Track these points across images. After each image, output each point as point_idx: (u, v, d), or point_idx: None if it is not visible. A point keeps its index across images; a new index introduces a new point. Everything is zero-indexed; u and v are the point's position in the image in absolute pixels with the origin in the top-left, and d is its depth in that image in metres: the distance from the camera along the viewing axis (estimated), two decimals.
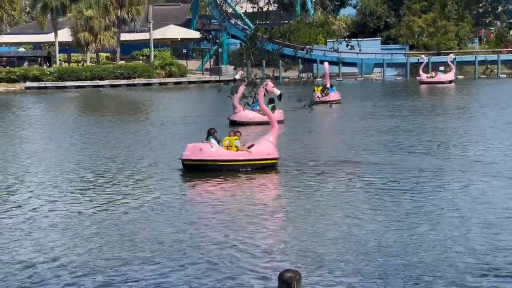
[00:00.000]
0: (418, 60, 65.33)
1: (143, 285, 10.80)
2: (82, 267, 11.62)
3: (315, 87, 36.90)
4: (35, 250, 12.64)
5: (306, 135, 28.18)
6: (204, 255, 12.13)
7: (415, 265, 11.39)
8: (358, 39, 9.90)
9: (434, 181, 18.19)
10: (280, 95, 21.68)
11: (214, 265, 11.61)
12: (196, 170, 19.78)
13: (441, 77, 59.95)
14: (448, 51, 68.95)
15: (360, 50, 9.27)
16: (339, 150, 23.67)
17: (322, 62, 62.83)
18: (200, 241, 12.96)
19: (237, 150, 20.05)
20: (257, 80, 9.82)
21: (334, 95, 42.48)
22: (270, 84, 19.47)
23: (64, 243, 13.07)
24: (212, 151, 19.82)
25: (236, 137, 20.38)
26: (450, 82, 58.98)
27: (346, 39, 9.20)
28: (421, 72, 60.47)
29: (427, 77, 59.80)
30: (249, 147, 20.24)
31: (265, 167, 20.08)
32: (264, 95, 20.33)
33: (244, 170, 19.84)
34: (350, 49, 8.95)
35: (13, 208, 16.01)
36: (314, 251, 12.22)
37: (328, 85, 43.27)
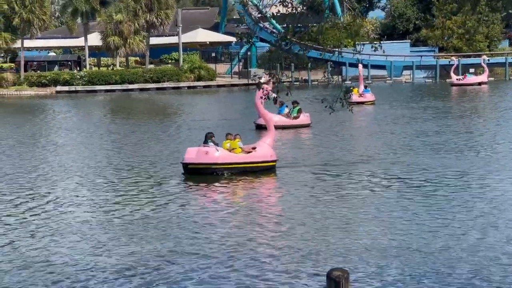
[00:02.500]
0: (449, 62, 64.85)
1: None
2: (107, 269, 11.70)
3: (351, 88, 36.73)
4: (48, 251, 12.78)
5: (334, 137, 27.97)
6: (249, 255, 12.19)
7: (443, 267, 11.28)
8: (383, 41, 9.90)
9: (471, 184, 18.02)
10: (275, 98, 21.64)
11: (257, 264, 11.67)
12: (200, 173, 19.69)
13: (470, 79, 59.48)
14: (479, 53, 68.30)
15: (384, 51, 9.32)
16: (369, 152, 23.49)
17: (351, 65, 62.87)
18: (240, 243, 12.98)
19: (241, 151, 20.13)
20: (284, 82, 9.85)
21: (369, 96, 42.88)
22: (268, 87, 19.52)
23: (85, 246, 13.19)
24: (218, 154, 19.85)
25: (238, 139, 20.49)
26: (479, 84, 58.44)
27: (372, 42, 9.24)
28: (452, 74, 60.04)
29: (457, 79, 59.35)
30: (251, 149, 20.40)
31: (267, 169, 20.21)
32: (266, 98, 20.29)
33: (247, 172, 19.83)
34: (374, 50, 9.06)
35: (32, 207, 16.20)
36: (355, 251, 12.19)
37: (362, 87, 43.54)
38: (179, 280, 11.13)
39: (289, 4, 8.39)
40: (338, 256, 12.02)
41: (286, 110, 32.42)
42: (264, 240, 13.22)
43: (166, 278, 11.23)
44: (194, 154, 19.99)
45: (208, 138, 20.30)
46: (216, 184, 18.87)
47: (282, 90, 9.71)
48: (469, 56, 69.64)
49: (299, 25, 8.90)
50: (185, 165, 20.03)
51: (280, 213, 15.50)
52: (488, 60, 63.65)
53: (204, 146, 20.13)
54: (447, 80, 62.42)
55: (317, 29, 9.14)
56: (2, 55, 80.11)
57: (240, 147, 20.28)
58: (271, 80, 9.50)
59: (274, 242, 13.05)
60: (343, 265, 11.08)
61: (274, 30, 64.47)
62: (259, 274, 11.29)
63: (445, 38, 73.94)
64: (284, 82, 11.44)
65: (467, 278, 10.89)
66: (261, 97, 20.54)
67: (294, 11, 8.44)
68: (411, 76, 68.96)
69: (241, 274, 11.28)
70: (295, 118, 31.96)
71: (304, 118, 32.09)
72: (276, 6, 9.19)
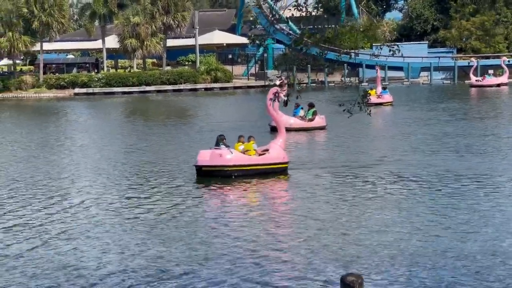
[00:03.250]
0: (469, 63, 64.51)
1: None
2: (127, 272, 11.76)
3: (368, 90, 36.64)
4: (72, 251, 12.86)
5: (350, 139, 27.80)
6: (262, 258, 12.18)
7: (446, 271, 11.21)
8: (399, 43, 9.81)
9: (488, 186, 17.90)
10: (286, 101, 21.50)
11: (270, 268, 11.66)
12: (214, 176, 19.64)
13: (489, 80, 59.17)
14: (498, 54, 67.87)
15: (402, 54, 9.27)
16: (387, 154, 23.36)
17: (367, 66, 62.73)
18: (254, 246, 12.99)
19: (255, 153, 20.16)
20: (299, 84, 9.85)
21: (387, 97, 42.88)
22: (278, 89, 19.49)
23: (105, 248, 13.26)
24: (231, 156, 19.85)
25: (253, 141, 20.49)
26: (498, 85, 58.10)
27: (390, 44, 9.16)
28: (471, 75, 59.79)
29: (476, 80, 59.09)
30: (263, 151, 20.42)
31: (279, 171, 20.20)
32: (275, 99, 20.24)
33: (260, 174, 19.82)
34: (392, 54, 9.01)
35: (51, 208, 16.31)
36: (370, 256, 12.12)
37: (380, 88, 43.58)
38: (190, 281, 11.16)
39: (303, 8, 8.36)
40: (352, 260, 11.92)
41: (301, 112, 32.34)
42: (277, 243, 13.16)
43: (181, 279, 11.27)
44: (207, 157, 19.99)
45: (219, 140, 20.31)
46: (229, 186, 18.86)
47: (293, 92, 9.70)
48: (488, 57, 69.23)
49: (314, 26, 8.88)
50: (199, 168, 20.04)
51: (293, 216, 15.41)
52: (509, 61, 63.24)
53: (216, 148, 20.15)
54: (465, 81, 62.05)
55: (333, 32, 9.11)
56: (22, 58, 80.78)
57: (255, 149, 20.31)
58: (284, 82, 9.53)
59: (287, 245, 12.99)
60: (358, 270, 11.03)
61: (290, 32, 64.47)
62: (273, 278, 11.25)
63: (463, 39, 73.49)
64: (297, 83, 11.44)
65: (487, 285, 10.80)
66: (271, 99, 20.54)
67: (308, 15, 8.43)
68: (429, 77, 68.64)
69: (253, 277, 11.25)
70: (310, 120, 31.87)
71: (319, 120, 31.95)
72: (290, 9, 9.19)
